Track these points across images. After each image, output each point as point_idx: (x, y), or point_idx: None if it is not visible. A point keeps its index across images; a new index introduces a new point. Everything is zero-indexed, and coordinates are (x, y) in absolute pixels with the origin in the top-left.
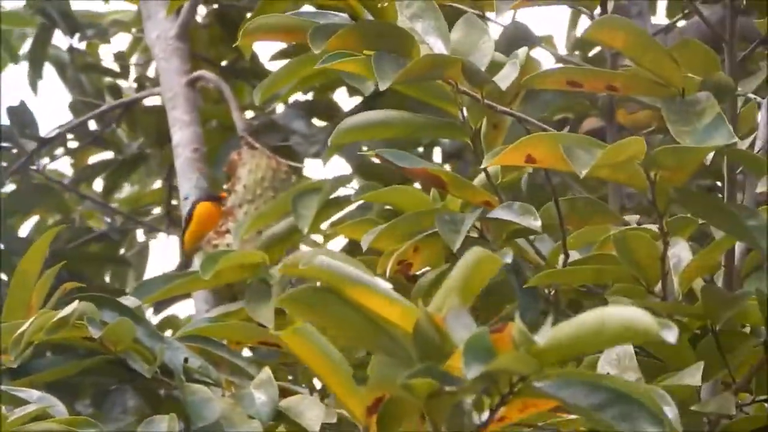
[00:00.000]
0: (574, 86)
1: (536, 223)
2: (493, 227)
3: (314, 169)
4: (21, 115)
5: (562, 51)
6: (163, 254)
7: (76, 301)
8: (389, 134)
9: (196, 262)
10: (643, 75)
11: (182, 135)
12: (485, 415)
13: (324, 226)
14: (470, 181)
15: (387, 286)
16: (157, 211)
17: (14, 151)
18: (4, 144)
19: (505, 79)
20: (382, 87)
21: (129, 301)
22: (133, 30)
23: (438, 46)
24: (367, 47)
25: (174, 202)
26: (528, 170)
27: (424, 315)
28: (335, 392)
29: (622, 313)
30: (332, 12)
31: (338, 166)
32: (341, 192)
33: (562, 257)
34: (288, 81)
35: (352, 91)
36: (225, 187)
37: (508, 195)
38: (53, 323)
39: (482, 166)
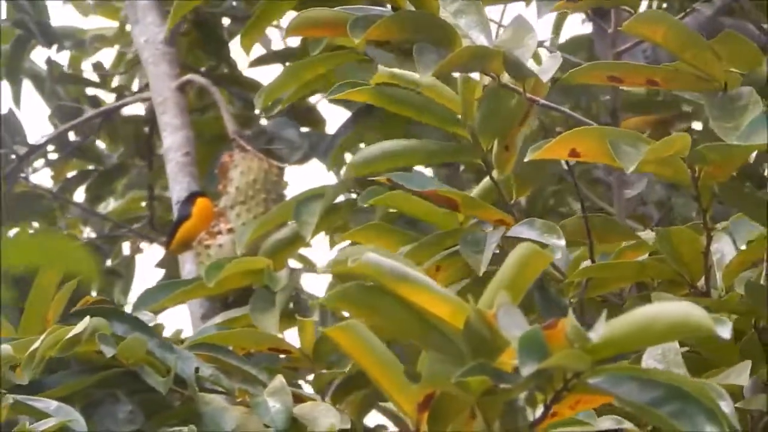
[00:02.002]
0: (614, 81)
1: (560, 242)
2: (514, 244)
3: (295, 174)
4: (9, 123)
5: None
6: (147, 265)
7: (87, 317)
8: (405, 163)
9: (188, 268)
10: (685, 69)
11: (173, 139)
12: (539, 411)
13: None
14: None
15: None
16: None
17: None
18: None
19: (546, 71)
20: (422, 78)
21: (144, 316)
22: (116, 46)
23: (481, 40)
24: (407, 38)
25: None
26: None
27: (474, 312)
28: (385, 388)
29: (674, 308)
30: (374, 7)
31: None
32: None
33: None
34: (289, 86)
35: (333, 101)
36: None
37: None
38: (66, 341)
39: (526, 159)
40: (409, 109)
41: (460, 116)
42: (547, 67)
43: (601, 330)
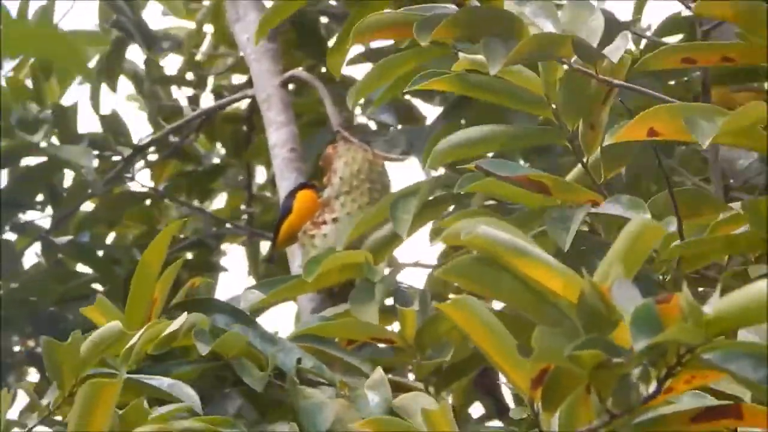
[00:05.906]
0: (689, 63)
1: (646, 216)
2: (604, 222)
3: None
4: (114, 123)
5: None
6: (234, 265)
7: (185, 313)
8: (489, 149)
9: (298, 263)
10: (759, 43)
11: (278, 135)
12: (652, 387)
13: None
14: (562, 175)
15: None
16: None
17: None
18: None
19: (616, 51)
20: (493, 72)
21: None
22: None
23: (548, 27)
24: (475, 34)
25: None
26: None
27: (589, 285)
28: (499, 364)
29: None
30: (440, 5)
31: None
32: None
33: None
34: (380, 83)
35: (429, 99)
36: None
37: (609, 189)
38: (163, 338)
39: (605, 143)
40: (492, 94)
41: (543, 97)
42: (616, 47)
43: (716, 304)
